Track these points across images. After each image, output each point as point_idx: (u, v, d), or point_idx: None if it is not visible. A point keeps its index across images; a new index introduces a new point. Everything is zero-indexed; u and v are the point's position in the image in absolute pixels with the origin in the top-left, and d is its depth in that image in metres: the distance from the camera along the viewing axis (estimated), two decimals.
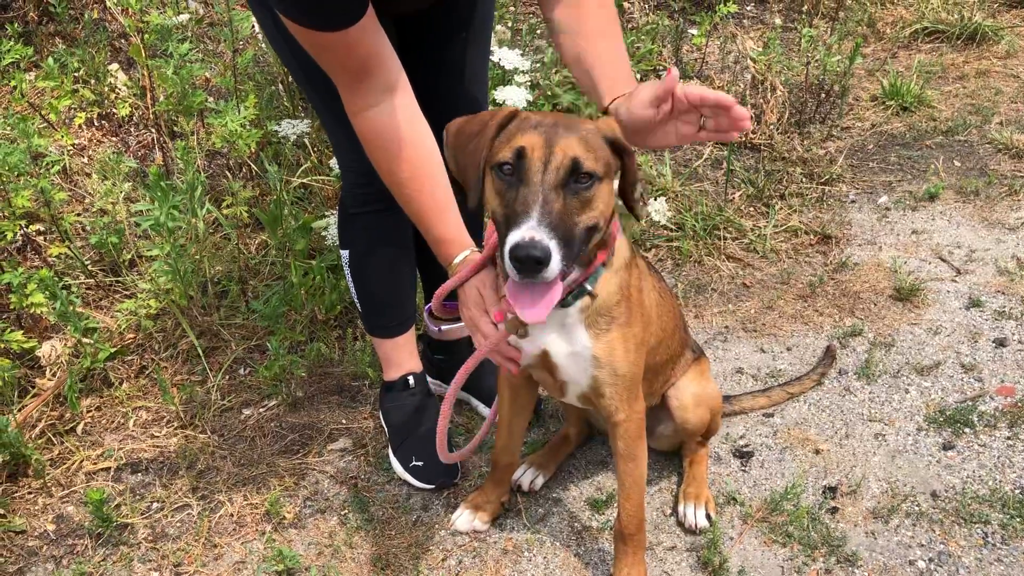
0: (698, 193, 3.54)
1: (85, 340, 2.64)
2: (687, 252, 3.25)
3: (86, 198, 3.35)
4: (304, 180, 3.28)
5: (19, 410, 2.56)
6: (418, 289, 2.70)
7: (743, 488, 2.34)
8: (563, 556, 2.18)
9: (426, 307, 2.17)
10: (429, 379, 2.58)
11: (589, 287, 1.73)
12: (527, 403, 2.18)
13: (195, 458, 2.49)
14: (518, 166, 1.55)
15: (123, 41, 4.06)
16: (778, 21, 4.82)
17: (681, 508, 2.24)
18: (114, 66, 3.77)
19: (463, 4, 2.13)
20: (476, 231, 2.16)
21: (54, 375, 2.70)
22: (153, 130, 3.60)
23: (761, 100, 3.98)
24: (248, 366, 2.81)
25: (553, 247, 1.47)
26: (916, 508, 2.25)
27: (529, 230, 1.47)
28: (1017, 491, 2.27)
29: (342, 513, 2.30)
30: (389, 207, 2.09)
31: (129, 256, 3.06)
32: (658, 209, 3.21)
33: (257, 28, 3.62)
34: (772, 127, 3.92)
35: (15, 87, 3.17)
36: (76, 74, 3.64)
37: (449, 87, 2.22)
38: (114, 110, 3.66)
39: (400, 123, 1.82)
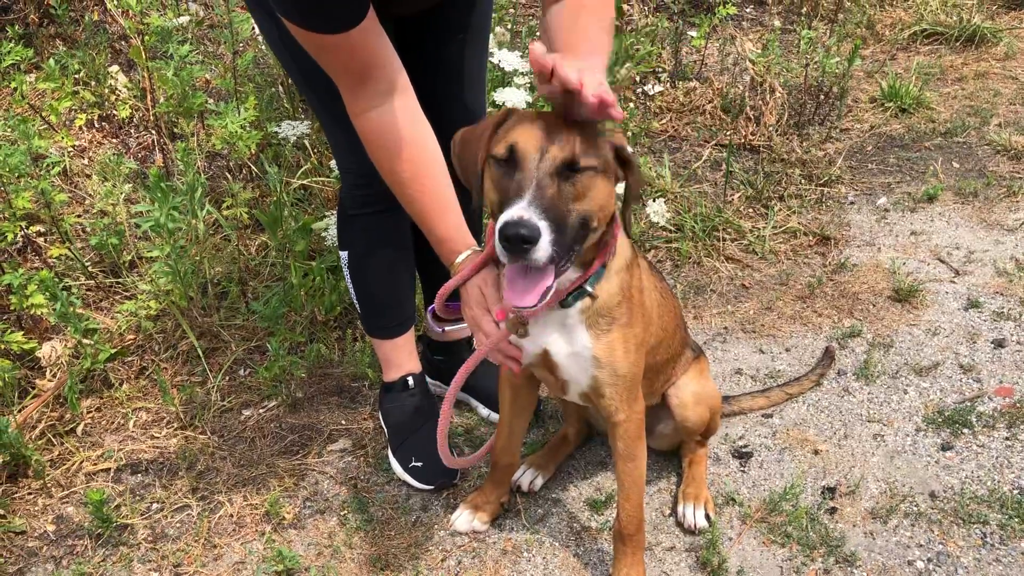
0: (697, 194, 3.55)
1: (85, 341, 2.65)
2: (686, 253, 3.26)
3: (86, 199, 3.35)
4: (304, 181, 3.29)
5: (19, 411, 2.57)
6: (417, 290, 2.70)
7: (742, 488, 2.34)
8: (562, 556, 2.18)
9: (428, 308, 2.17)
10: (429, 380, 2.58)
11: (590, 288, 1.74)
12: (528, 404, 2.18)
13: (195, 459, 2.50)
14: (513, 155, 1.56)
15: (123, 43, 4.07)
16: (777, 23, 4.83)
17: (680, 508, 2.25)
18: (114, 68, 3.77)
19: (462, 6, 2.14)
20: (477, 231, 2.16)
21: (54, 376, 2.70)
22: (153, 132, 3.61)
23: (760, 102, 3.99)
24: (248, 367, 2.82)
25: (543, 228, 1.46)
26: (915, 508, 2.25)
27: (519, 210, 1.47)
28: (1015, 491, 2.28)
29: (342, 514, 2.31)
30: (388, 208, 2.10)
31: (129, 257, 3.06)
32: (657, 210, 3.22)
33: (257, 30, 3.63)
34: (771, 129, 3.92)
35: (16, 89, 3.18)
36: (76, 76, 3.65)
37: (446, 89, 2.23)
38: (114, 112, 3.67)
39: (402, 124, 1.82)
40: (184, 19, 3.74)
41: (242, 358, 2.84)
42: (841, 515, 2.24)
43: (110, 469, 2.48)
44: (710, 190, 3.62)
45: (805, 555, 2.14)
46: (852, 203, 3.58)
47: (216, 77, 3.61)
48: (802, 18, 4.85)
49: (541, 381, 2.09)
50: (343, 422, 2.62)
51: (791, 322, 2.95)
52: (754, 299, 3.07)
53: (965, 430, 2.48)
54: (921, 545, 2.16)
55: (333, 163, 3.22)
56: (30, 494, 2.40)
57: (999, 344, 2.79)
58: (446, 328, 2.52)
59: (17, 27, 3.76)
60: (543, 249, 1.47)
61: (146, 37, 3.20)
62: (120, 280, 3.06)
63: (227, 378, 2.76)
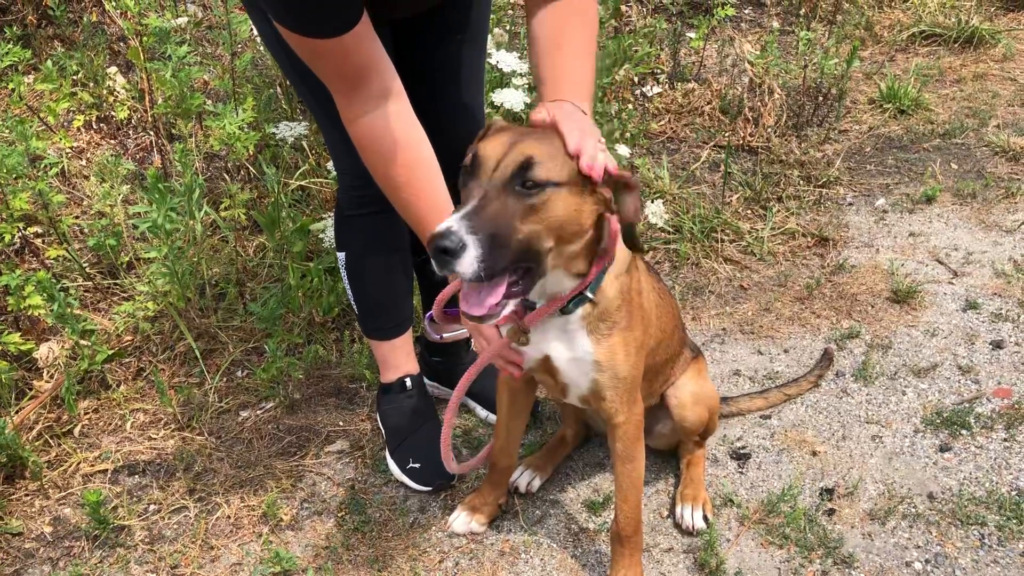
0: (696, 196, 3.55)
1: (83, 342, 2.64)
2: (685, 254, 3.26)
3: (84, 201, 3.35)
4: (302, 183, 3.29)
5: (16, 412, 2.56)
6: (415, 291, 2.70)
7: (740, 490, 2.34)
8: (560, 558, 2.18)
9: (427, 315, 2.17)
10: (427, 381, 2.58)
11: (590, 294, 1.73)
12: (525, 406, 2.18)
13: (192, 460, 2.49)
14: (474, 164, 1.53)
15: (121, 44, 4.07)
16: (775, 24, 4.83)
17: (678, 510, 2.24)
18: (112, 69, 3.77)
19: (460, 7, 2.14)
20: None
21: (51, 377, 2.70)
22: (151, 133, 3.60)
23: (759, 103, 3.99)
24: (246, 368, 2.81)
25: (470, 242, 1.41)
26: (913, 510, 2.25)
27: (451, 220, 1.44)
28: (1014, 493, 2.28)
29: (339, 515, 2.30)
30: (385, 209, 2.10)
31: (127, 258, 3.06)
32: (655, 211, 3.21)
33: (255, 32, 3.63)
34: (770, 130, 3.92)
35: (13, 90, 3.17)
36: (75, 77, 3.65)
37: (445, 90, 2.23)
38: (112, 113, 3.67)
39: (396, 128, 1.82)
40: (182, 20, 3.74)
41: (240, 359, 2.84)
42: (839, 516, 2.24)
43: (107, 470, 2.48)
44: (708, 191, 3.62)
45: (803, 556, 2.14)
46: (851, 204, 3.58)
47: (214, 78, 3.61)
48: (800, 19, 4.85)
49: (540, 384, 2.09)
50: (341, 423, 2.61)
51: (789, 323, 2.95)
52: (752, 300, 3.07)
53: (963, 431, 2.48)
54: (919, 546, 2.16)
55: (331, 164, 3.22)
56: (27, 495, 2.39)
57: (997, 345, 2.79)
58: (445, 335, 2.52)
59: (15, 28, 3.76)
60: (466, 264, 1.42)
61: (144, 38, 3.20)
62: (118, 281, 3.06)
63: (225, 379, 2.76)
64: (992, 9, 5.21)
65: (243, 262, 3.11)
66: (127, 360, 2.82)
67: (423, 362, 2.62)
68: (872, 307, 3.00)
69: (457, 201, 1.89)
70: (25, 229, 3.07)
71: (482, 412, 2.60)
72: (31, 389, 2.67)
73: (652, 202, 3.26)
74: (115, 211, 3.06)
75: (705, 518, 2.22)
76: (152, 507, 2.36)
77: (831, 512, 2.25)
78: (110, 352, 2.73)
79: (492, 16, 3.04)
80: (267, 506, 2.30)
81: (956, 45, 4.81)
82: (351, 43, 1.71)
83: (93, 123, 3.70)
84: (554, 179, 1.50)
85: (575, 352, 1.80)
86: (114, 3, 3.83)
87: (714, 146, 3.94)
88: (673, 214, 3.41)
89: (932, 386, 2.65)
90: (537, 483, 2.36)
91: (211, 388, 2.71)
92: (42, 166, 3.03)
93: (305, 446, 2.53)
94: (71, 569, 2.18)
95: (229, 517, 2.31)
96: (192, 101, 3.03)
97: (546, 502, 2.34)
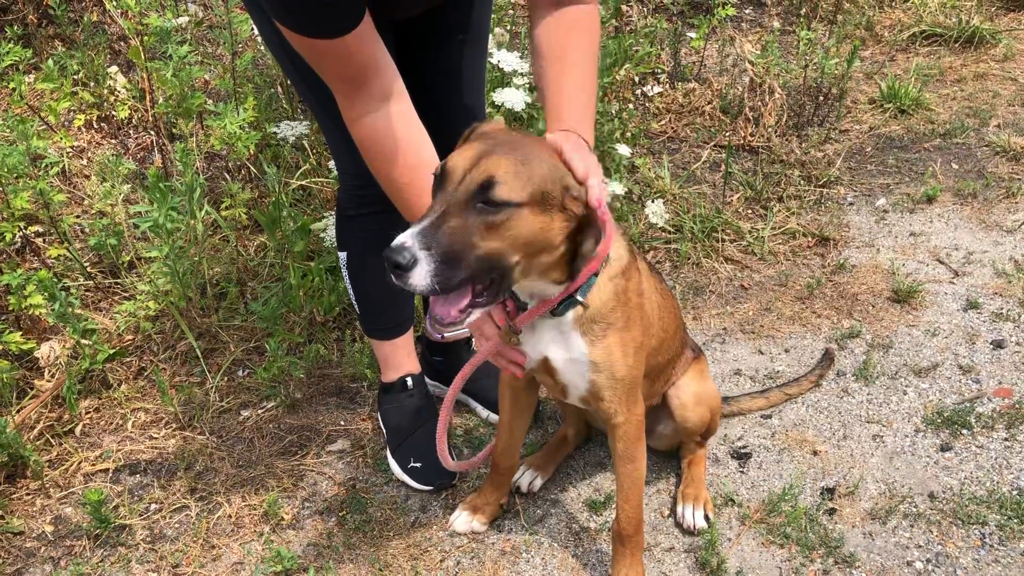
0: (696, 195, 3.55)
1: (84, 341, 2.65)
2: (685, 254, 3.26)
3: (85, 200, 3.35)
4: (303, 182, 3.29)
5: (18, 411, 2.56)
6: None
7: (741, 489, 2.34)
8: (561, 557, 2.18)
9: (428, 315, 2.17)
10: (428, 381, 2.58)
11: (580, 297, 1.73)
12: (528, 406, 2.18)
13: (193, 459, 2.49)
14: (442, 175, 1.55)
15: (122, 44, 4.07)
16: (776, 24, 4.83)
17: (679, 509, 2.25)
18: (113, 68, 3.77)
19: (461, 7, 2.14)
20: None
21: (53, 376, 2.70)
22: (152, 132, 3.61)
23: (759, 103, 3.99)
24: (247, 368, 2.81)
25: (423, 258, 1.44)
26: (914, 509, 2.25)
27: (405, 235, 1.46)
28: (1015, 492, 2.28)
29: (340, 514, 2.31)
30: (386, 209, 2.09)
31: (128, 258, 3.06)
32: (656, 211, 3.22)
33: (256, 31, 3.63)
34: (770, 130, 3.92)
35: (14, 89, 3.17)
36: (75, 76, 3.65)
37: (446, 90, 2.23)
38: (113, 112, 3.67)
39: (397, 129, 1.82)
40: (183, 20, 3.74)
41: (241, 359, 2.84)
42: (840, 516, 2.24)
43: (108, 469, 2.48)
44: (709, 191, 3.62)
45: (804, 556, 2.14)
46: (851, 204, 3.58)
47: (215, 78, 3.61)
48: (801, 19, 4.85)
49: (542, 384, 2.09)
50: (342, 423, 2.61)
51: (790, 323, 2.95)
52: (753, 300, 3.07)
53: (964, 431, 2.48)
54: (920, 546, 2.16)
55: (332, 164, 3.22)
56: (28, 494, 2.39)
57: (998, 345, 2.79)
58: (446, 334, 2.51)
59: (16, 27, 3.76)
60: (418, 278, 1.45)
61: (145, 38, 3.20)
62: (119, 280, 3.06)
63: (226, 379, 2.76)
64: (993, 9, 5.21)
65: (244, 261, 3.11)
66: (128, 359, 2.82)
67: (424, 361, 2.62)
68: (873, 307, 3.00)
69: None
70: (26, 228, 3.07)
71: (483, 412, 2.60)
72: (32, 388, 2.67)
73: (653, 201, 3.26)
74: (116, 211, 3.06)
75: (706, 517, 2.22)
76: (153, 506, 2.36)
77: (832, 511, 2.25)
78: (111, 351, 2.73)
79: (493, 16, 3.05)
80: (268, 505, 2.30)
81: (957, 45, 4.81)
82: (353, 43, 1.71)
83: (94, 122, 3.70)
84: (515, 200, 1.50)
85: (571, 353, 1.80)
86: (115, 3, 3.84)
87: (715, 146, 3.94)
88: (674, 214, 3.41)
89: (933, 386, 2.66)
90: (539, 483, 2.36)
91: (212, 387, 2.71)
92: (43, 165, 3.03)
93: (306, 445, 2.53)
94: (72, 568, 2.18)
95: (230, 516, 2.31)
96: (193, 100, 3.03)
97: (547, 501, 2.34)
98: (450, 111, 2.21)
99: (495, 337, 1.81)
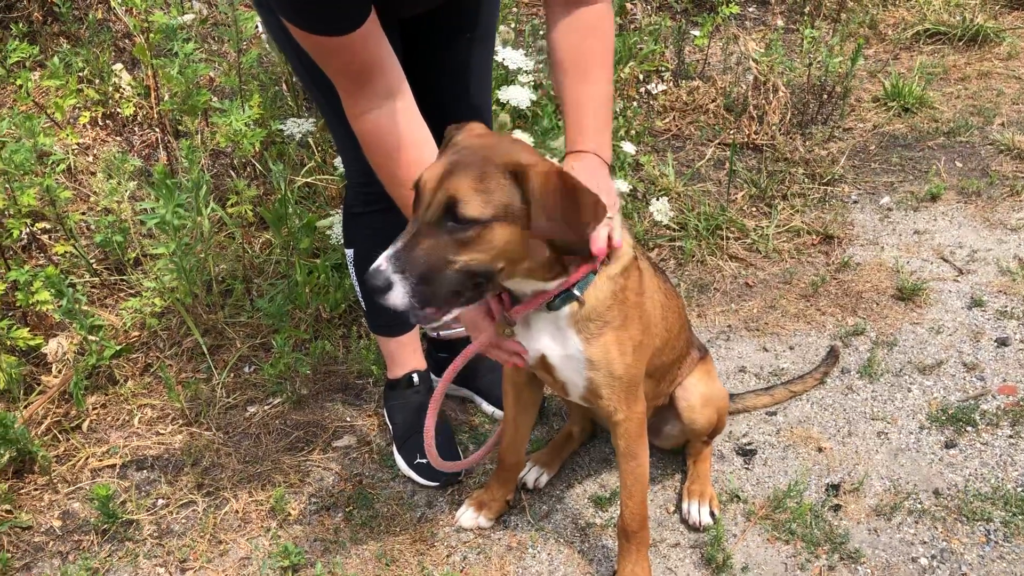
0: (701, 193, 3.56)
1: (90, 338, 2.65)
2: (690, 252, 3.26)
3: (91, 197, 3.36)
4: (308, 179, 3.30)
5: (25, 407, 2.57)
6: None
7: (746, 486, 2.35)
8: (567, 553, 2.19)
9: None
10: (433, 377, 2.59)
11: (577, 292, 1.73)
12: (532, 402, 2.19)
13: (200, 455, 2.50)
14: (416, 191, 1.59)
15: (127, 41, 4.07)
16: (780, 22, 4.84)
17: (685, 505, 2.25)
18: (118, 66, 3.78)
19: (468, 5, 2.14)
20: None
21: (60, 372, 2.71)
22: (157, 129, 3.61)
23: (763, 101, 4.00)
24: (253, 364, 2.82)
25: (397, 281, 1.51)
26: (919, 506, 2.26)
27: (381, 258, 1.53)
28: (1019, 489, 2.28)
29: (347, 510, 2.31)
30: (393, 207, 2.10)
31: (134, 255, 3.07)
32: (660, 209, 3.22)
33: (261, 28, 3.63)
34: (774, 128, 3.93)
35: (21, 86, 3.18)
36: (80, 74, 3.65)
37: (453, 88, 2.23)
38: (118, 110, 3.67)
39: (400, 126, 1.83)
40: (188, 17, 3.74)
41: (247, 355, 2.84)
42: (845, 512, 2.25)
43: (115, 465, 2.49)
44: (713, 189, 3.63)
45: (809, 552, 2.15)
46: (855, 202, 3.58)
47: (220, 75, 3.61)
48: (805, 17, 4.85)
49: (543, 381, 2.10)
50: (348, 419, 2.62)
51: (795, 320, 2.96)
52: (758, 297, 3.08)
53: (969, 428, 2.49)
54: (925, 542, 2.17)
55: (337, 161, 3.22)
56: (36, 490, 2.40)
57: (1002, 343, 2.80)
58: (442, 333, 2.53)
59: (21, 25, 3.77)
60: (396, 298, 1.52)
61: (150, 35, 3.21)
62: (124, 277, 3.07)
63: (232, 375, 2.77)
64: (997, 7, 5.20)
65: (250, 258, 3.12)
66: (134, 356, 2.83)
67: (430, 358, 2.63)
68: (877, 304, 3.01)
69: None
70: (32, 225, 3.07)
71: (488, 408, 2.61)
72: (39, 384, 2.68)
73: (657, 199, 3.27)
74: (122, 207, 3.07)
75: (712, 514, 2.22)
76: (160, 502, 2.37)
77: (837, 508, 2.26)
78: (118, 348, 2.74)
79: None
80: (275, 501, 2.31)
81: (961, 43, 4.81)
82: (358, 42, 1.73)
83: (99, 120, 3.71)
84: (482, 217, 1.52)
85: (567, 350, 1.81)
86: (120, 0, 3.84)
87: (719, 144, 3.94)
88: (678, 211, 3.41)
89: (937, 383, 2.66)
90: (544, 479, 2.37)
91: (218, 384, 2.72)
92: (49, 162, 3.04)
93: (312, 441, 2.54)
94: (80, 563, 2.19)
95: (237, 512, 2.32)
96: (198, 98, 3.03)
97: (553, 498, 2.34)
98: (457, 110, 2.22)
99: (489, 330, 1.81)
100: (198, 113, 3.12)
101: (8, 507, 2.32)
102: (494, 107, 2.93)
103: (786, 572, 2.11)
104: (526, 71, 3.19)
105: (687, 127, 4.07)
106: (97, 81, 3.69)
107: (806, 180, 3.67)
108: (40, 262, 3.08)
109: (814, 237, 3.36)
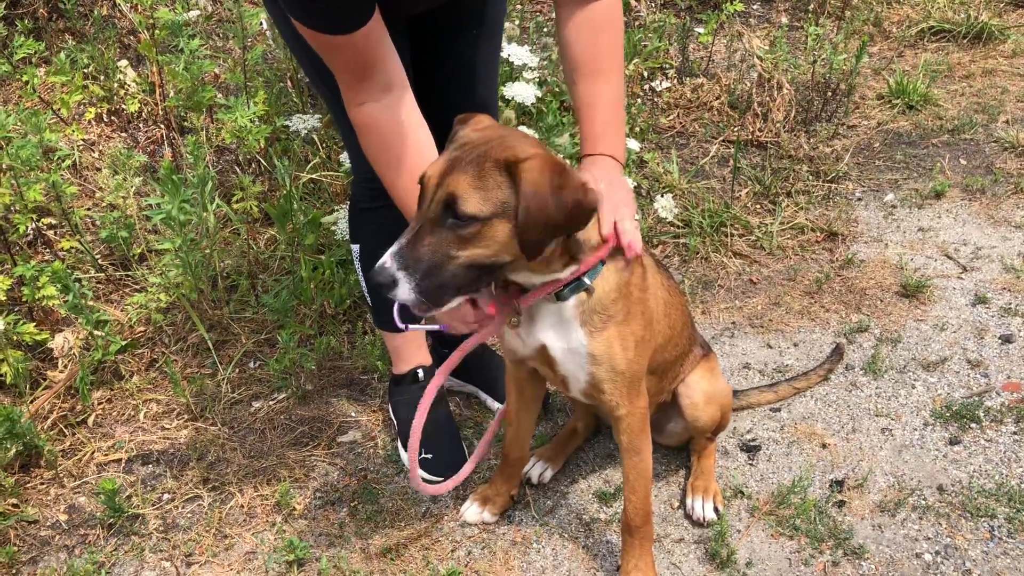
0: (705, 190, 3.56)
1: (96, 333, 2.66)
2: (694, 249, 3.26)
3: (96, 193, 3.37)
4: (313, 176, 3.30)
5: (31, 401, 2.58)
6: None
7: (750, 482, 2.35)
8: (571, 548, 2.19)
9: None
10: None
11: (587, 280, 1.74)
12: (534, 397, 2.19)
13: (205, 450, 2.51)
14: (421, 188, 1.61)
15: (132, 37, 4.08)
16: (784, 20, 4.84)
17: (689, 501, 2.26)
18: (123, 62, 3.79)
19: (475, 2, 2.15)
20: None
21: (66, 367, 2.72)
22: (162, 126, 3.62)
23: (768, 98, 4.00)
24: (258, 359, 2.83)
25: (401, 277, 1.54)
26: (923, 502, 2.26)
27: (386, 255, 1.55)
28: (1023, 485, 2.28)
29: (352, 505, 2.32)
30: None
31: (139, 250, 3.08)
32: (665, 206, 3.22)
33: (265, 25, 3.64)
34: (778, 125, 3.93)
35: (27, 82, 3.19)
36: (85, 70, 3.66)
37: (460, 85, 2.24)
38: (123, 106, 3.68)
39: (398, 118, 1.84)
40: (193, 13, 3.75)
41: (252, 350, 2.85)
42: (849, 508, 2.25)
43: (121, 460, 2.50)
44: (718, 186, 3.63)
45: (813, 547, 2.15)
46: (859, 199, 3.58)
47: (225, 72, 3.62)
48: (809, 15, 4.85)
49: (543, 377, 2.10)
50: (353, 414, 2.63)
51: (799, 317, 2.96)
52: (762, 294, 3.08)
53: (973, 424, 2.49)
54: (929, 538, 2.17)
55: (343, 157, 3.23)
56: (42, 484, 2.41)
57: (1007, 340, 2.80)
58: (410, 326, 2.52)
59: (26, 21, 3.78)
60: (403, 294, 1.55)
61: (155, 31, 3.21)
62: (130, 273, 3.08)
63: (237, 370, 2.78)
64: (1002, 5, 5.19)
65: (255, 254, 3.12)
66: (140, 351, 2.84)
67: (435, 354, 2.64)
68: (881, 301, 3.01)
69: None
70: (39, 220, 3.08)
71: (494, 404, 2.61)
72: (45, 379, 2.69)
73: (662, 196, 3.27)
74: (127, 203, 3.07)
75: (716, 509, 2.23)
76: (166, 496, 2.38)
77: (841, 504, 2.26)
78: (123, 343, 2.75)
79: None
80: (280, 495, 2.32)
81: (965, 41, 4.80)
82: (360, 40, 1.75)
83: (104, 116, 3.72)
84: (481, 214, 1.54)
85: (569, 343, 1.81)
86: None
87: (723, 141, 3.94)
88: (682, 208, 3.42)
89: (941, 380, 2.66)
90: (549, 474, 2.37)
91: (224, 379, 2.72)
92: (55, 158, 3.04)
93: (317, 436, 2.55)
94: (87, 556, 2.20)
95: (243, 506, 2.33)
96: (203, 94, 3.04)
97: (557, 493, 2.35)
98: (464, 106, 2.21)
99: (471, 317, 1.79)
100: (203, 109, 3.12)
101: (15, 501, 2.33)
102: (499, 104, 2.93)
103: (790, 568, 2.12)
104: (531, 67, 3.20)
105: (691, 124, 4.07)
106: (102, 77, 3.70)
107: (810, 177, 3.67)
108: (46, 257, 3.09)
109: (818, 234, 3.37)
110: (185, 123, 3.52)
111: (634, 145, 3.33)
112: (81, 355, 2.70)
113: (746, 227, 3.37)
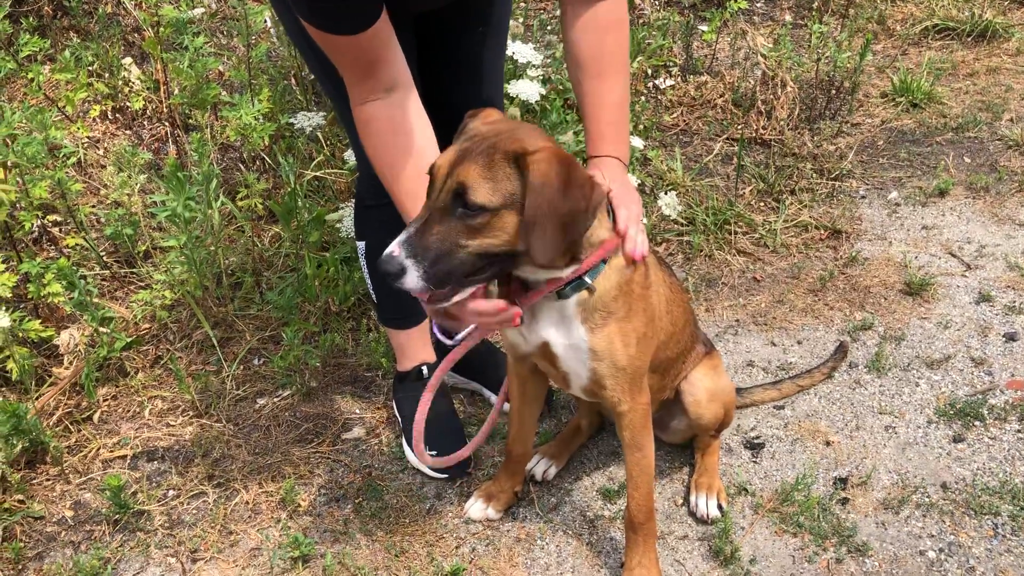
0: (709, 188, 3.56)
1: (101, 330, 2.67)
2: (698, 246, 3.27)
3: (101, 190, 3.38)
4: (317, 173, 3.31)
5: (37, 398, 2.59)
6: None
7: (754, 479, 2.36)
8: (575, 545, 2.20)
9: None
10: None
11: (588, 279, 1.75)
12: (537, 393, 2.19)
13: (210, 447, 2.52)
14: (430, 177, 1.62)
15: (136, 35, 4.09)
16: (788, 18, 4.83)
17: (693, 498, 2.26)
18: (128, 60, 3.79)
19: (482, 0, 2.15)
20: None
21: (71, 364, 2.73)
22: (167, 123, 3.63)
23: (772, 96, 3.99)
24: (262, 356, 2.84)
25: (409, 265, 1.54)
26: (926, 499, 2.26)
27: (394, 244, 1.56)
28: None
29: (356, 501, 2.33)
30: None
31: (144, 248, 3.08)
32: (669, 203, 3.23)
33: (270, 22, 3.64)
34: (782, 123, 3.93)
35: (32, 80, 3.19)
36: (90, 68, 3.67)
37: (465, 83, 2.24)
38: (128, 103, 3.69)
39: (401, 117, 1.85)
40: (198, 11, 3.76)
41: (256, 348, 2.86)
42: (853, 505, 2.26)
43: (126, 456, 2.50)
44: (721, 184, 3.63)
45: (817, 544, 2.16)
46: (863, 197, 3.58)
47: (230, 69, 3.62)
48: (813, 13, 4.85)
49: (545, 373, 2.10)
50: (357, 411, 2.63)
51: (803, 315, 2.96)
52: (766, 292, 3.08)
53: (977, 422, 2.49)
54: (933, 536, 2.17)
55: (347, 154, 3.24)
56: (48, 480, 2.42)
57: (1011, 338, 2.80)
58: (456, 338, 2.53)
59: (31, 19, 3.78)
60: (411, 282, 1.55)
61: (160, 29, 3.22)
62: (134, 270, 3.09)
63: (242, 367, 2.78)
64: (1006, 3, 5.18)
65: (259, 251, 3.13)
66: (145, 348, 2.85)
67: (439, 351, 2.64)
68: (885, 299, 3.01)
69: None
70: (44, 217, 3.09)
71: (495, 400, 2.61)
72: (51, 376, 2.70)
73: (665, 194, 3.27)
74: (132, 201, 3.08)
75: (720, 506, 2.23)
76: (171, 492, 2.39)
77: (845, 501, 2.27)
78: (128, 340, 2.76)
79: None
80: (285, 492, 2.32)
81: (969, 39, 4.79)
82: (367, 40, 1.76)
83: (109, 113, 3.72)
84: (490, 204, 1.56)
85: (571, 339, 1.82)
86: None
87: (727, 139, 3.94)
88: (686, 206, 3.42)
89: (945, 377, 2.66)
90: (553, 471, 2.38)
91: (228, 376, 2.73)
92: (60, 155, 3.05)
93: (322, 433, 2.55)
94: (92, 552, 2.21)
95: (248, 503, 2.34)
96: (208, 92, 3.04)
97: (561, 490, 2.36)
98: (469, 104, 2.21)
99: (496, 316, 1.79)
100: (208, 107, 3.13)
101: (21, 497, 2.34)
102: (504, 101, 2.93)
103: (794, 565, 2.12)
104: (535, 65, 3.20)
105: (695, 122, 4.07)
106: (107, 75, 3.71)
107: (814, 175, 3.67)
108: (51, 254, 3.10)
109: (822, 232, 3.37)
110: (190, 120, 3.53)
111: (638, 143, 3.33)
112: (86, 352, 2.71)
113: (750, 225, 3.37)
